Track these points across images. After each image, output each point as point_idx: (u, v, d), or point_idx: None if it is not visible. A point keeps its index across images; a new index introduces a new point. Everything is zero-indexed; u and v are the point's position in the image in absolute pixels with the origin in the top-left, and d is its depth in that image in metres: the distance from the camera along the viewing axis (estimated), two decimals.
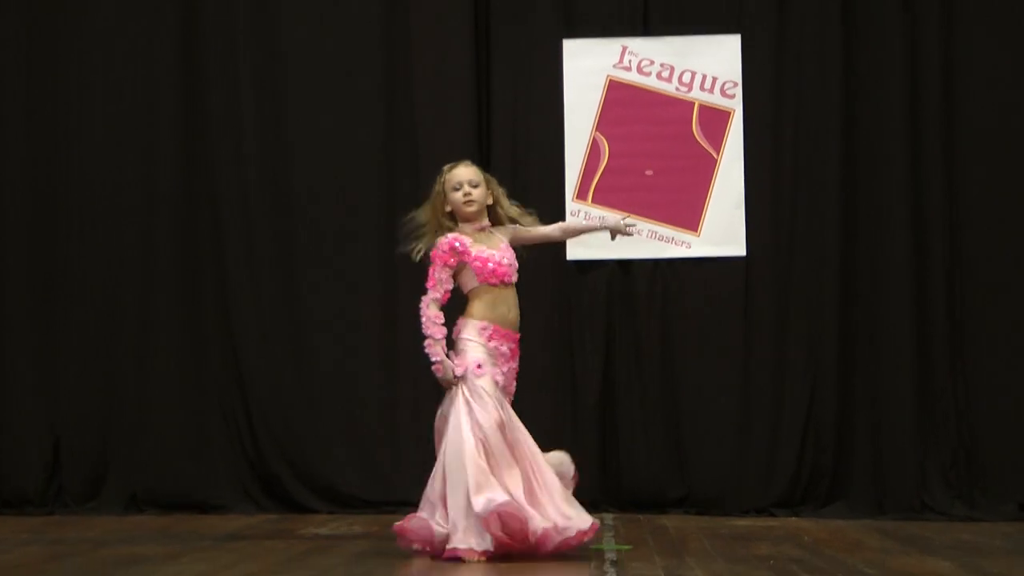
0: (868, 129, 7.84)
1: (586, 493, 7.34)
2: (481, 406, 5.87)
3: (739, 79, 7.88)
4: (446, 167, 6.23)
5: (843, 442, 7.74)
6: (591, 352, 7.88)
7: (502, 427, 5.86)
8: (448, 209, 6.18)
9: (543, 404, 7.78)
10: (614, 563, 5.64)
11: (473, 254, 6.09)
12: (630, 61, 7.92)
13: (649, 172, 7.89)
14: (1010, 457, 7.68)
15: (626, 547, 6.14)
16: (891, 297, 7.74)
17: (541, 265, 7.77)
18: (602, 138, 7.90)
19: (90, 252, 8.10)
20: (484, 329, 6.04)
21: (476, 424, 5.85)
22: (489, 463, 5.80)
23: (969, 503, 7.57)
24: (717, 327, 7.83)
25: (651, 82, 7.93)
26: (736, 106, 7.88)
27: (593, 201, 7.85)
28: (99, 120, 8.11)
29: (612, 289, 7.91)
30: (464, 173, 6.19)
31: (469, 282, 6.13)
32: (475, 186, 6.16)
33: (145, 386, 8.02)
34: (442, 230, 6.16)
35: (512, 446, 5.87)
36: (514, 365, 6.13)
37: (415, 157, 7.97)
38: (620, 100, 7.91)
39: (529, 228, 6.31)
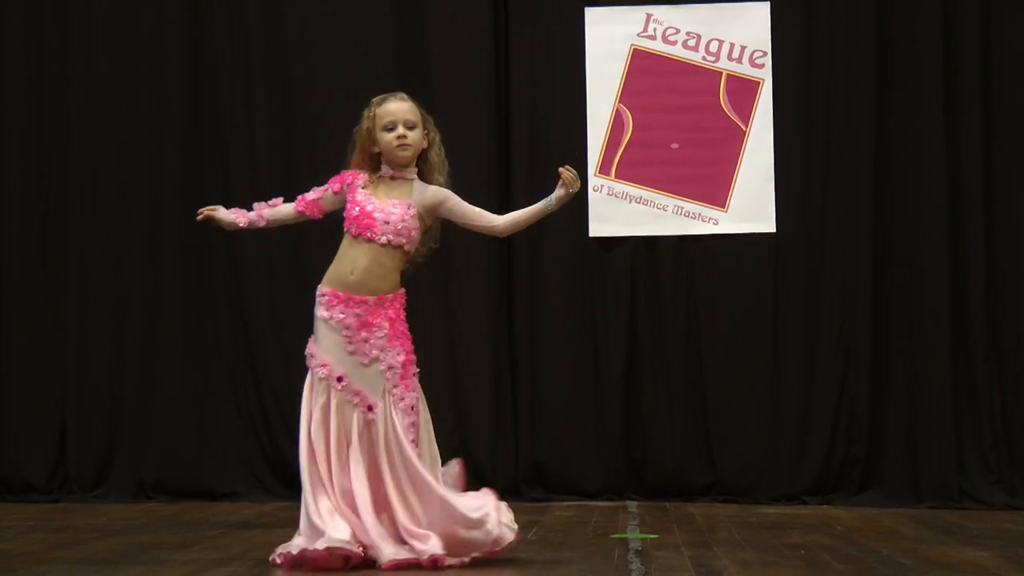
0: (904, 99, 7.63)
1: (610, 480, 7.50)
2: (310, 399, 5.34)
3: (768, 48, 7.70)
4: (376, 99, 5.31)
5: (877, 427, 7.57)
6: (614, 333, 7.70)
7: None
8: (376, 150, 5.27)
9: (563, 388, 7.71)
10: (639, 553, 5.51)
11: (356, 195, 5.26)
12: (655, 29, 7.74)
13: (675, 145, 7.72)
14: None
15: (652, 536, 6.02)
16: (927, 275, 7.55)
17: (560, 243, 7.64)
18: (625, 110, 7.72)
19: (94, 239, 7.98)
20: (321, 296, 5.22)
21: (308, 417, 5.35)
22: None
23: (1010, 490, 7.40)
24: (745, 307, 7.67)
25: (677, 51, 7.75)
26: (765, 76, 7.69)
27: (616, 176, 7.70)
28: (109, 106, 8.01)
29: (636, 268, 7.73)
30: (399, 109, 5.23)
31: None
32: (411, 127, 5.21)
33: (153, 370, 7.90)
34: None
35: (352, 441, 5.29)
36: (369, 335, 5.19)
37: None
38: (644, 70, 7.74)
39: (465, 208, 5.29)
